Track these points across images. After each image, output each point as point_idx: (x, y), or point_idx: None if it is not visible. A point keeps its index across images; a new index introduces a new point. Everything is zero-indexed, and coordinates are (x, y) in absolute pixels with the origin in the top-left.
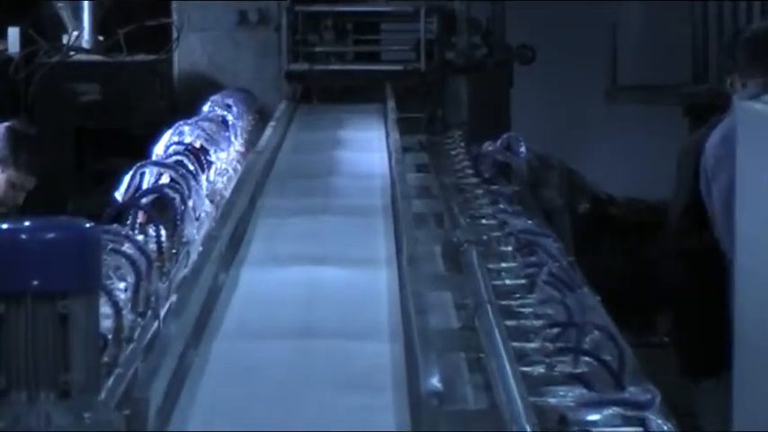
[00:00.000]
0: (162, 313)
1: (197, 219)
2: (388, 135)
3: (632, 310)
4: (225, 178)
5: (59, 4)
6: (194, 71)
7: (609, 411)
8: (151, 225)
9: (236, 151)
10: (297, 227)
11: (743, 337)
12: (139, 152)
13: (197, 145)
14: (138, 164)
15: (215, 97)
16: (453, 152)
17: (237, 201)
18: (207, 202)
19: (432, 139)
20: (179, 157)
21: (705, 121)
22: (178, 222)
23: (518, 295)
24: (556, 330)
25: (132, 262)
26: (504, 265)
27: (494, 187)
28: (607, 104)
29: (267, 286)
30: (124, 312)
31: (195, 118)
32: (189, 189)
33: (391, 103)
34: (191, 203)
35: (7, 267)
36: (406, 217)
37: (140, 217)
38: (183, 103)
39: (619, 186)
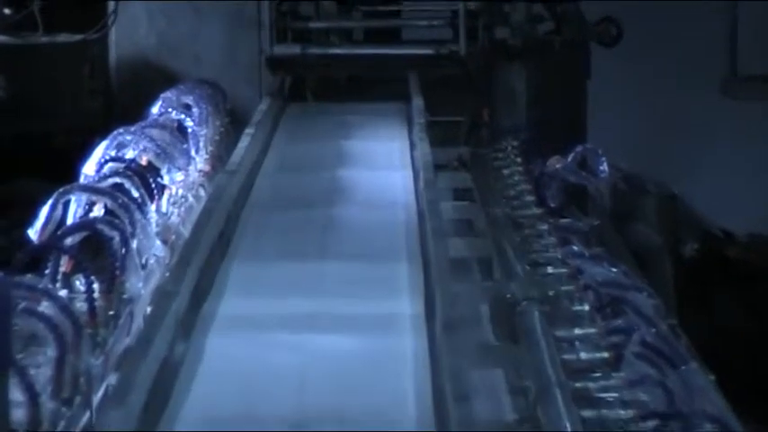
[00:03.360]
0: (95, 400)
1: (143, 266)
2: (413, 147)
3: (759, 392)
4: (183, 209)
5: None
6: (139, 56)
7: None
8: (79, 275)
9: (199, 170)
10: (284, 278)
11: None
12: (62, 172)
13: (143, 162)
14: (61, 189)
15: (168, 94)
16: (506, 171)
17: (201, 240)
18: (157, 242)
19: (476, 153)
20: (118, 180)
21: None
22: (117, 271)
23: (598, 374)
24: (652, 424)
25: (53, 328)
26: (578, 331)
27: (564, 221)
28: (724, 101)
29: (242, 365)
30: (42, 399)
31: (140, 123)
32: (132, 224)
33: (418, 102)
34: (134, 244)
35: None
36: (440, 264)
37: (64, 264)
38: (124, 102)
39: (739, 218)
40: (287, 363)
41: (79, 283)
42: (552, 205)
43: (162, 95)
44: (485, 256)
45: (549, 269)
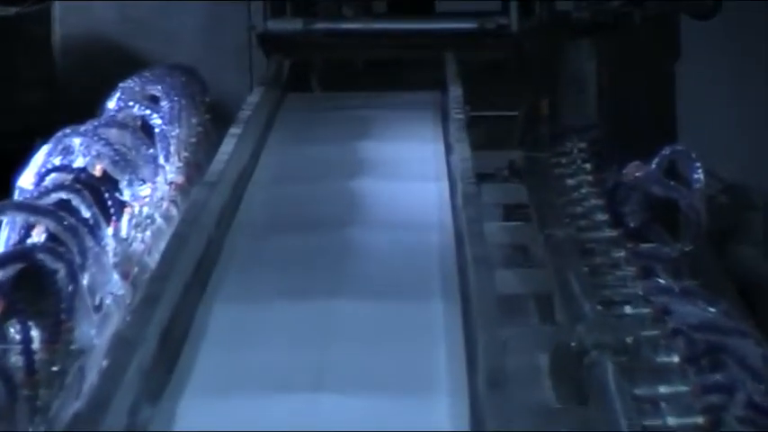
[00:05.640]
0: None
1: (97, 308)
2: (449, 151)
3: None
4: (148, 233)
5: None
6: (92, 35)
7: None
8: (13, 321)
9: (170, 182)
10: (280, 325)
11: None
12: None
13: (96, 172)
14: None
15: (129, 83)
16: (572, 181)
17: (172, 274)
18: (115, 276)
19: (532, 158)
20: (63, 195)
21: None
22: (62, 315)
23: None
24: None
25: None
26: (664, 389)
27: (646, 246)
28: None
29: None
30: None
31: (93, 122)
32: (82, 253)
33: (456, 92)
34: (85, 280)
35: None
36: (484, 303)
37: None
38: (72, 95)
39: None
40: None
41: (13, 331)
42: (631, 225)
43: (121, 85)
44: (543, 291)
45: (627, 309)
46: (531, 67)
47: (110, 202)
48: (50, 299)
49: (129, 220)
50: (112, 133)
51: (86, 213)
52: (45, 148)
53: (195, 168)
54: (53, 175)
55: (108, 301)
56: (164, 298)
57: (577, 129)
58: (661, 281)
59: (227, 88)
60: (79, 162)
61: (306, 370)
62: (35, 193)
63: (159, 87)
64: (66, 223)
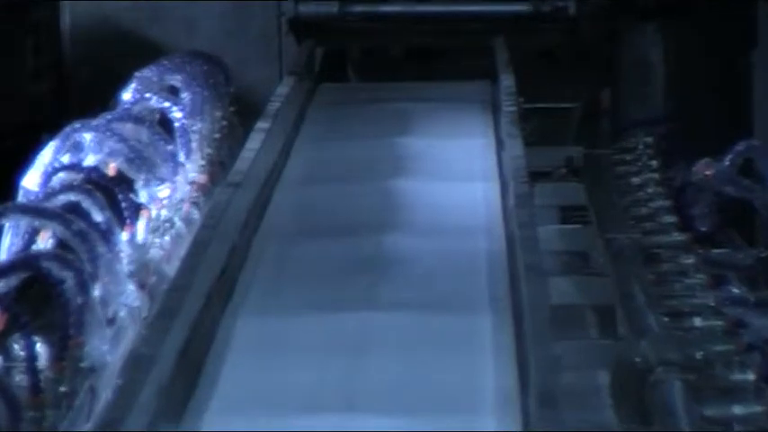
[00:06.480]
0: None
1: (110, 322)
2: (500, 147)
3: None
4: (167, 238)
5: None
6: (105, 21)
7: None
8: (18, 335)
9: (191, 182)
10: (312, 340)
11: None
12: None
13: (110, 171)
14: None
15: (146, 72)
16: (637, 180)
17: (193, 284)
18: (130, 286)
19: (592, 155)
20: (72, 197)
21: None
22: (71, 330)
23: None
24: None
25: None
26: (738, 410)
27: (718, 252)
28: None
29: None
30: None
31: (105, 115)
32: (93, 261)
33: (507, 82)
34: (96, 291)
35: None
36: (538, 315)
37: None
38: (82, 86)
39: None
40: None
41: (17, 347)
42: (702, 229)
43: (137, 74)
44: (604, 303)
45: (697, 321)
46: (590, 54)
47: (124, 205)
48: (57, 312)
49: (146, 225)
50: (127, 128)
51: (98, 217)
52: (52, 145)
53: (219, 167)
54: (61, 174)
55: (122, 313)
56: (183, 311)
57: (642, 122)
58: (734, 290)
59: (254, 78)
60: (90, 160)
61: (338, 390)
62: (41, 195)
63: (179, 77)
64: (75, 228)
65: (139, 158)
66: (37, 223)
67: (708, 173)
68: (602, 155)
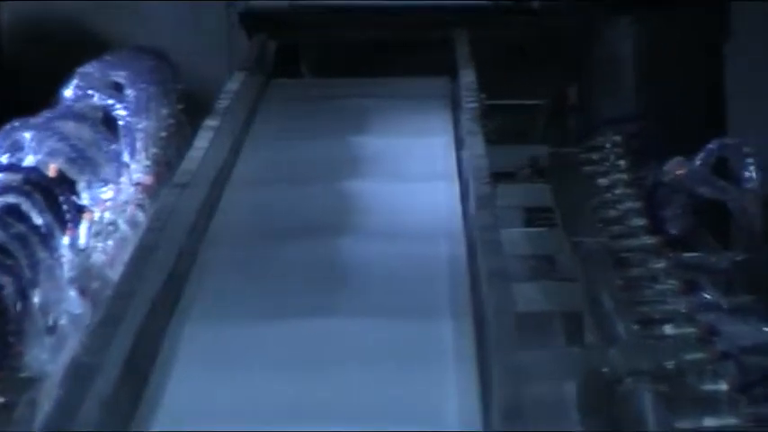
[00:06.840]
0: None
1: (49, 330)
2: (460, 145)
3: None
4: (111, 242)
5: None
6: (44, 10)
7: None
8: None
9: (136, 183)
10: (263, 349)
11: None
12: None
13: (50, 172)
14: None
15: (88, 67)
16: (604, 180)
17: (138, 290)
18: (72, 293)
19: (558, 154)
20: (11, 199)
21: None
22: (10, 338)
23: None
24: None
25: None
26: (711, 422)
27: (690, 255)
28: None
29: None
30: None
31: (46, 113)
32: (32, 267)
33: (468, 78)
34: (36, 298)
35: None
36: (501, 323)
37: None
38: (21, 79)
39: None
40: None
41: None
42: (673, 232)
43: (79, 70)
44: (571, 309)
45: (668, 329)
46: (556, 48)
47: (65, 207)
48: None
49: (89, 228)
50: (69, 126)
51: (38, 220)
52: None
53: (165, 167)
54: (0, 174)
55: (63, 321)
56: (128, 318)
57: (611, 120)
58: (708, 296)
59: (202, 74)
60: (30, 160)
61: (290, 402)
62: None
63: (123, 73)
64: (13, 231)
65: (82, 158)
66: None
67: (680, 172)
68: (568, 154)
